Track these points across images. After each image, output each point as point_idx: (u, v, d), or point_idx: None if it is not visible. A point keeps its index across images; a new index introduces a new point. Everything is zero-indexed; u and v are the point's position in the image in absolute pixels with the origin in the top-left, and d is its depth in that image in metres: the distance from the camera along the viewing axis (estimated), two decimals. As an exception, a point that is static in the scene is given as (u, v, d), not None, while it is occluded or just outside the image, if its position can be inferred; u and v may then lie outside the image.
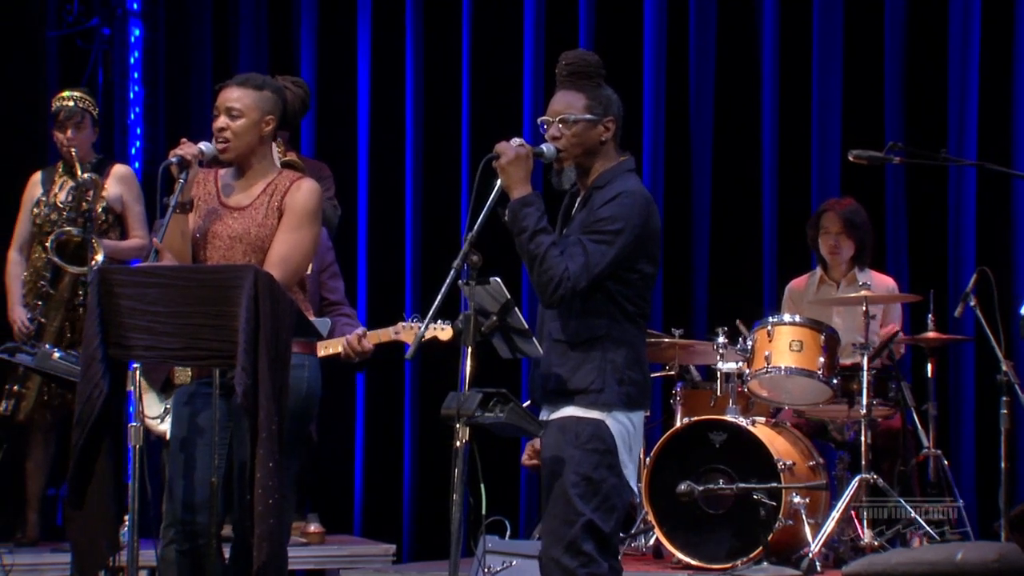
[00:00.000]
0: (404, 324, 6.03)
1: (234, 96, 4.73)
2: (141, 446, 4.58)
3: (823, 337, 6.60)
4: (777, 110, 8.15)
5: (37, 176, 7.00)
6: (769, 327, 6.66)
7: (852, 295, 6.73)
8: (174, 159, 4.65)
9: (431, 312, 4.26)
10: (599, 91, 4.41)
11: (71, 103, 6.90)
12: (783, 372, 6.60)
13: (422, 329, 4.39)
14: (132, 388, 4.55)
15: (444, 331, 6.04)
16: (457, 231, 7.69)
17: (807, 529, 6.33)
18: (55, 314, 6.77)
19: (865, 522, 6.46)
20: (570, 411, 4.32)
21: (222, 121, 4.72)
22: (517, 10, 8.44)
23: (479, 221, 4.26)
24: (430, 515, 8.17)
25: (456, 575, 4.23)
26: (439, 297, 4.20)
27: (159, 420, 6.07)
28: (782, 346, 6.61)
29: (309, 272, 5.53)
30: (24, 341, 6.38)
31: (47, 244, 6.82)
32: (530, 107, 8.28)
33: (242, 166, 4.77)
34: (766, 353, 6.60)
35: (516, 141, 4.36)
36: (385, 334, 6.13)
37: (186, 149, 4.67)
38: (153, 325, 4.39)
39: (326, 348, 5.80)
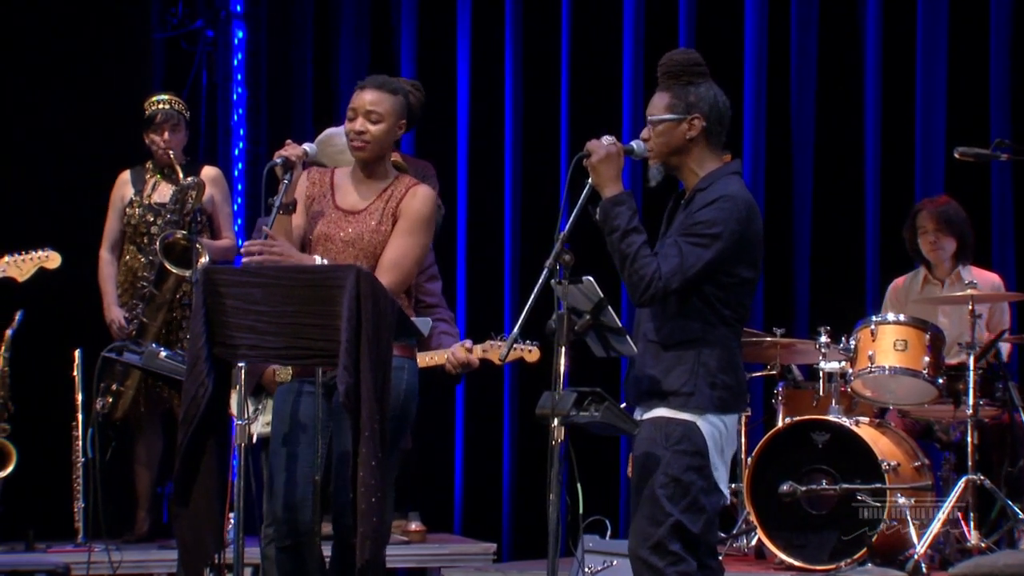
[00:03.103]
0: (491, 343, 6.05)
1: (373, 99, 4.76)
2: (246, 444, 4.63)
3: (928, 336, 6.52)
4: (880, 107, 8.05)
5: (126, 175, 7.07)
6: (873, 326, 6.59)
7: (958, 294, 6.64)
8: (279, 160, 4.70)
9: (521, 318, 4.24)
10: (686, 89, 4.37)
11: (167, 106, 6.98)
12: (887, 372, 6.53)
13: (511, 336, 4.37)
14: (236, 387, 4.60)
15: (531, 352, 6.05)
16: (556, 228, 7.69)
17: (912, 530, 6.26)
18: (157, 314, 6.85)
19: (972, 523, 6.37)
20: (662, 411, 4.31)
21: (361, 123, 4.74)
22: (616, 10, 8.42)
23: (571, 220, 4.25)
24: (530, 514, 8.17)
25: (555, 575, 4.23)
26: (532, 297, 4.19)
27: (252, 422, 6.13)
28: (886, 345, 6.54)
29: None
30: (123, 341, 6.46)
31: (143, 244, 6.91)
32: (629, 107, 8.25)
33: (367, 169, 4.80)
34: (870, 352, 6.53)
35: (607, 139, 4.34)
36: (474, 351, 6.15)
37: (291, 150, 4.71)
38: (257, 324, 4.44)
39: (431, 358, 5.82)
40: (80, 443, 6.81)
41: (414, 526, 7.04)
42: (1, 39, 7.80)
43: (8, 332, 6.81)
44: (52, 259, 6.53)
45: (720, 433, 4.31)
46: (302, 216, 4.80)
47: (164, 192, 6.97)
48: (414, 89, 4.92)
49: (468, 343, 5.88)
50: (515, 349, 6.12)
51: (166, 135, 6.94)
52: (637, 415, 4.38)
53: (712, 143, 4.39)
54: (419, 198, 4.78)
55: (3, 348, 6.81)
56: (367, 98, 4.76)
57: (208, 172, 7.07)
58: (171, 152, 6.91)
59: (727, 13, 8.27)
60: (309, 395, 4.69)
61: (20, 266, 6.51)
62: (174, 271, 6.78)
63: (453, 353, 5.77)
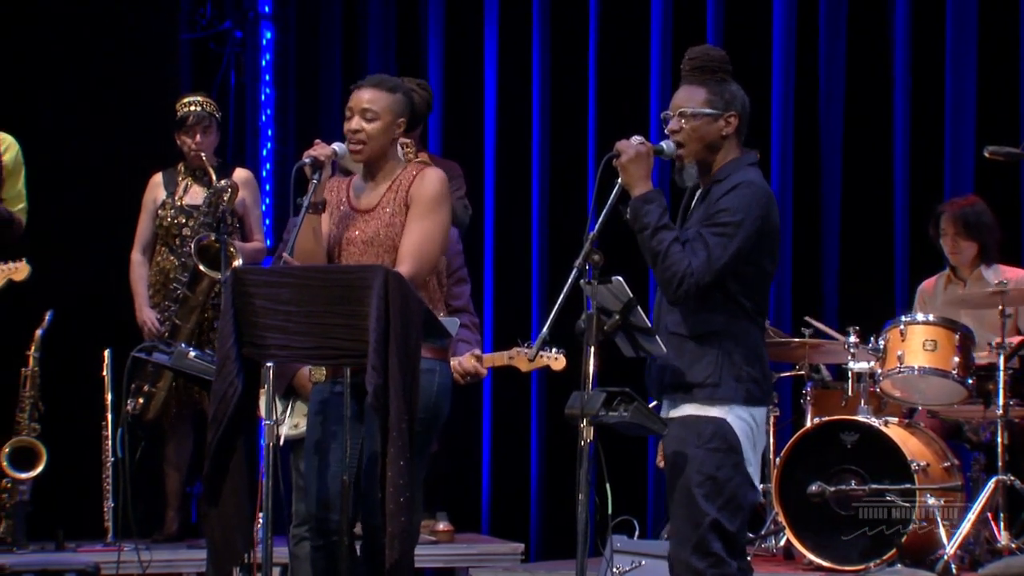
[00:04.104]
0: (518, 349, 6.04)
1: (369, 98, 4.76)
2: (274, 444, 4.64)
3: (958, 336, 6.49)
4: (909, 105, 8.02)
5: (158, 177, 7.08)
6: (902, 326, 6.56)
7: (987, 292, 6.60)
8: (307, 160, 4.71)
9: (549, 319, 4.23)
10: (722, 86, 4.36)
11: (198, 108, 6.98)
12: (916, 372, 6.51)
13: (540, 337, 4.36)
14: (264, 387, 4.61)
15: (558, 360, 6.04)
16: (584, 231, 7.68)
17: (942, 531, 6.23)
18: (190, 316, 6.87)
19: (1002, 524, 6.34)
20: (690, 409, 4.30)
21: (356, 123, 4.76)
22: (644, 10, 8.40)
23: (600, 220, 4.25)
24: (558, 514, 8.17)
25: (583, 575, 4.23)
26: (561, 297, 4.19)
27: (278, 423, 6.12)
28: (915, 345, 6.51)
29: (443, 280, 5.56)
30: (153, 341, 6.48)
31: (175, 245, 6.92)
32: (657, 107, 8.23)
33: (371, 168, 4.82)
34: (899, 353, 6.51)
35: (636, 139, 4.33)
36: (499, 358, 6.15)
37: (319, 150, 4.72)
38: (286, 324, 4.44)
39: None
40: (110, 443, 6.84)
41: (442, 526, 7.05)
42: (30, 42, 7.83)
43: (38, 332, 6.84)
44: (20, 270, 6.53)
45: (751, 428, 4.30)
46: (326, 223, 4.81)
47: (196, 194, 6.98)
48: (419, 88, 4.92)
49: (478, 351, 5.86)
50: (541, 357, 6.11)
51: (198, 137, 6.95)
52: (662, 409, 4.37)
53: (739, 142, 4.40)
54: (427, 180, 4.77)
55: (33, 348, 6.84)
56: (363, 97, 4.77)
57: (240, 174, 7.08)
58: (203, 154, 6.92)
59: (755, 12, 8.25)
60: (342, 395, 4.70)
61: None
62: (208, 273, 6.79)
63: (460, 362, 5.73)
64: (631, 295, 4.24)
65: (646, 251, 4.29)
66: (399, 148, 4.94)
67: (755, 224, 4.25)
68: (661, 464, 4.52)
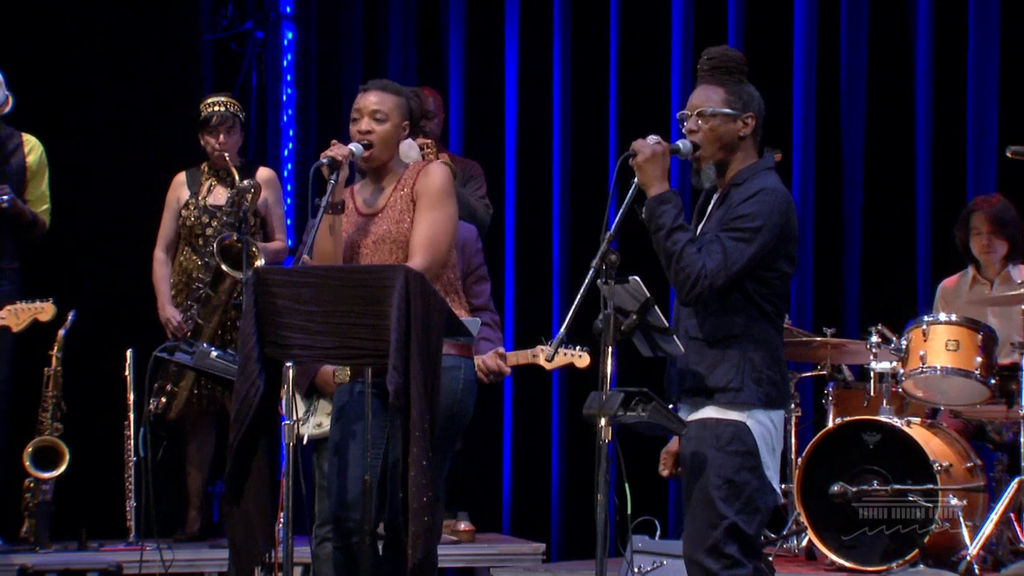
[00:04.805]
0: (542, 348, 6.04)
1: (377, 100, 4.82)
2: (295, 444, 4.65)
3: (980, 336, 6.47)
4: (931, 105, 7.99)
5: (181, 177, 7.11)
6: (924, 326, 6.55)
7: (1011, 294, 6.58)
8: (325, 160, 4.72)
9: (567, 319, 4.23)
10: (740, 87, 4.36)
11: (222, 108, 7.00)
12: (939, 372, 6.49)
13: (558, 337, 4.37)
14: (285, 387, 4.62)
15: (581, 358, 6.05)
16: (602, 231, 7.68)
17: (964, 532, 6.21)
18: (213, 316, 6.89)
19: (1025, 525, 6.33)
20: (710, 412, 4.29)
21: (366, 124, 4.80)
22: (665, 11, 8.40)
23: (616, 220, 4.25)
24: (580, 514, 8.17)
25: (604, 575, 4.23)
26: (578, 297, 4.18)
27: (301, 422, 6.13)
28: (938, 346, 6.49)
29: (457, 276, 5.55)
30: (175, 341, 6.50)
31: (198, 245, 6.94)
32: (677, 108, 8.21)
33: (377, 172, 4.85)
34: (921, 353, 6.49)
35: (652, 138, 4.32)
36: (523, 356, 6.15)
37: (337, 150, 4.74)
38: (308, 324, 4.45)
39: None
40: (132, 442, 6.86)
41: (463, 526, 7.05)
42: (54, 44, 7.86)
43: (61, 332, 6.86)
44: (46, 311, 6.59)
45: (769, 432, 4.29)
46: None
47: (219, 194, 7.00)
48: (414, 96, 4.97)
49: (501, 349, 5.87)
50: (565, 355, 6.12)
51: (221, 137, 6.97)
52: (682, 413, 4.37)
53: (756, 143, 4.39)
54: (432, 174, 4.81)
55: (56, 348, 6.87)
56: (371, 99, 4.82)
57: (263, 174, 7.10)
58: (226, 154, 6.94)
59: (776, 12, 8.23)
60: (362, 394, 4.71)
61: (17, 315, 6.59)
62: (230, 273, 6.80)
63: (483, 360, 5.74)
64: (648, 295, 4.24)
65: (661, 251, 4.28)
66: (415, 151, 4.97)
67: (774, 231, 4.25)
68: (664, 473, 4.50)
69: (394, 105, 4.82)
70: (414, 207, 4.76)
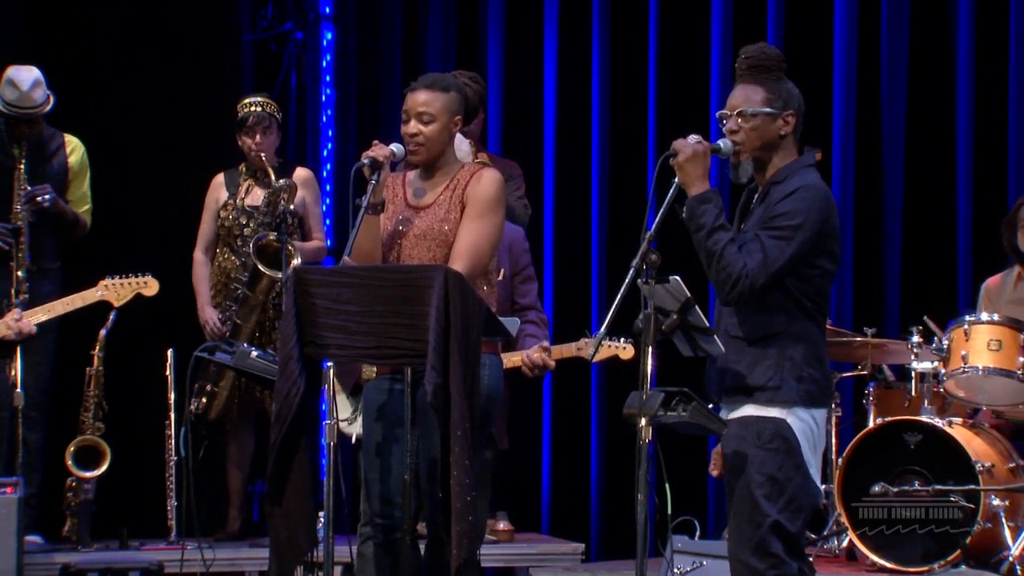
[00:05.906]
0: (586, 340, 6.04)
1: (424, 99, 4.78)
2: (335, 443, 4.66)
3: (1023, 336, 6.43)
4: (972, 103, 7.95)
5: (220, 178, 7.14)
6: (966, 326, 6.51)
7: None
8: (366, 161, 4.73)
9: (608, 317, 4.23)
10: (779, 84, 4.35)
11: (259, 108, 7.02)
12: (981, 372, 6.45)
13: (598, 336, 4.37)
14: (326, 387, 4.63)
15: (626, 351, 6.04)
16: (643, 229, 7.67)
17: (1007, 532, 6.18)
18: (250, 316, 6.91)
19: (1068, 526, 6.28)
20: (750, 410, 4.28)
21: (414, 126, 4.78)
22: (704, 9, 8.38)
23: (657, 219, 4.24)
24: (618, 514, 8.15)
25: (643, 575, 4.22)
26: (618, 297, 4.19)
27: (349, 422, 6.15)
28: (980, 345, 6.45)
29: (502, 277, 5.56)
30: (216, 341, 6.52)
31: (236, 246, 6.97)
32: (716, 107, 8.20)
33: (429, 167, 4.83)
34: (963, 352, 6.45)
35: (693, 138, 4.32)
36: (567, 349, 6.15)
37: (378, 151, 4.74)
38: (347, 324, 4.47)
39: (511, 360, 5.81)
40: (173, 442, 6.89)
41: (502, 525, 7.05)
42: (94, 45, 7.89)
43: (102, 332, 6.90)
44: (151, 285, 6.64)
45: (811, 429, 4.28)
46: (383, 218, 4.83)
47: (257, 195, 7.03)
48: (471, 82, 4.94)
49: (546, 343, 5.87)
50: (609, 347, 6.12)
51: (258, 137, 6.99)
52: (722, 412, 4.36)
53: (796, 140, 4.38)
54: (484, 181, 4.79)
55: (98, 348, 6.91)
56: (419, 99, 4.79)
57: (300, 174, 7.12)
58: (262, 155, 6.96)
59: (817, 10, 8.20)
60: (401, 393, 4.71)
61: (118, 290, 6.61)
62: (267, 273, 6.83)
63: (528, 355, 5.75)
64: (689, 295, 4.23)
65: (701, 251, 4.27)
66: (466, 144, 4.96)
67: (814, 228, 4.24)
68: (715, 473, 4.49)
69: (442, 104, 4.78)
70: (462, 209, 4.75)
